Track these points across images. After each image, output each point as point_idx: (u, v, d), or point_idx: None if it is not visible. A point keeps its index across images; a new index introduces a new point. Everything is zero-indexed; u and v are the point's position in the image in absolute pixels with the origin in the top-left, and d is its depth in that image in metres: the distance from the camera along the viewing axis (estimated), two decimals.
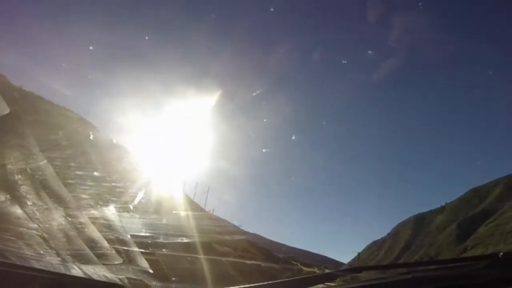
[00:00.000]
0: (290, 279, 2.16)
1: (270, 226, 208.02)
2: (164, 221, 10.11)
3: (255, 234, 56.67)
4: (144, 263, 4.58)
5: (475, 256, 2.68)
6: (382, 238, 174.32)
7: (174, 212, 12.93)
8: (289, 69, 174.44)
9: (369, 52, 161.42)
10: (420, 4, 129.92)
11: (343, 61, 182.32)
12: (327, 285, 2.07)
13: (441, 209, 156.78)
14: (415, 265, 2.52)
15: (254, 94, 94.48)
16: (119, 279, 2.33)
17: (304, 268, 45.57)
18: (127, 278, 2.43)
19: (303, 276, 2.20)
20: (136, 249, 4.93)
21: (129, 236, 5.26)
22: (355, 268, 2.46)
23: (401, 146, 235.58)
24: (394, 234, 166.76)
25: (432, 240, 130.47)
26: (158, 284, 2.26)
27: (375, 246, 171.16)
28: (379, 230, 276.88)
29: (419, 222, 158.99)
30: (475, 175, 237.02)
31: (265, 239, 60.84)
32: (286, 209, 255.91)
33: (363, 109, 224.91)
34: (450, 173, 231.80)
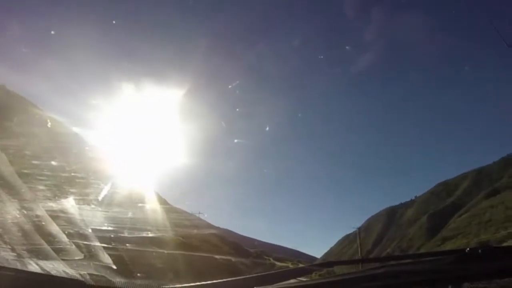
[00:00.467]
0: (262, 273, 2.09)
1: (242, 221, 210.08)
2: (128, 215, 9.80)
3: (225, 229, 56.85)
4: (106, 259, 4.38)
5: (444, 251, 2.78)
6: (354, 231, 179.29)
7: (139, 205, 12.59)
8: (264, 62, 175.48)
9: (346, 47, 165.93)
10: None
11: (320, 56, 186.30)
12: (300, 280, 2.03)
13: (411, 203, 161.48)
14: (387, 259, 2.58)
15: (230, 86, 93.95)
16: (80, 274, 2.18)
17: (277, 263, 46.28)
18: (89, 274, 2.28)
19: (275, 271, 2.16)
20: (98, 243, 4.72)
21: (90, 230, 5.02)
22: (328, 262, 2.48)
23: (373, 140, 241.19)
24: (367, 227, 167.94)
25: (403, 233, 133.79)
26: (122, 280, 2.11)
27: (347, 240, 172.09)
28: (353, 224, 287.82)
29: (391, 215, 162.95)
30: (443, 169, 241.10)
31: (236, 233, 61.29)
32: (258, 203, 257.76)
33: (337, 103, 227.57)
34: (420, 166, 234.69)
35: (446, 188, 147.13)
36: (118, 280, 2.11)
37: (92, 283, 2.07)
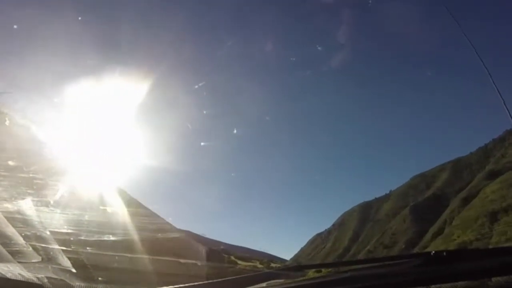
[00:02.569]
0: (232, 278, 2.15)
1: (209, 224, 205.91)
2: (89, 217, 9.56)
3: (191, 232, 56.02)
4: (66, 262, 4.30)
5: (411, 254, 2.86)
6: (326, 230, 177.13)
7: (101, 207, 12.28)
8: (232, 62, 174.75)
9: (317, 47, 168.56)
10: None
11: (291, 58, 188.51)
12: (268, 284, 2.09)
13: (387, 197, 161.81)
14: (353, 263, 2.64)
15: (196, 86, 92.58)
16: (38, 278, 2.17)
17: (239, 261, 46.19)
18: (47, 277, 2.26)
19: (243, 276, 2.20)
20: (56, 246, 4.61)
21: (48, 233, 4.90)
22: (295, 266, 2.54)
23: (343, 137, 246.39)
24: (340, 224, 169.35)
25: (384, 227, 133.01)
26: (82, 284, 2.12)
27: (320, 239, 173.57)
28: (323, 222, 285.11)
29: (366, 210, 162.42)
30: (417, 162, 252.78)
31: (203, 237, 60.39)
32: (225, 207, 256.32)
33: (304, 102, 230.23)
34: (392, 161, 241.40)
35: (423, 180, 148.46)
36: (77, 284, 2.11)
37: (51, 286, 2.07)
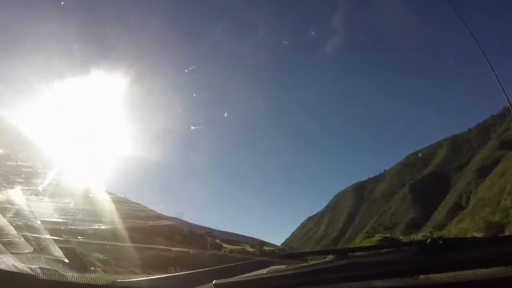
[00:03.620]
0: (222, 266, 2.13)
1: (201, 212, 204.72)
2: (80, 206, 9.49)
3: (182, 220, 56.04)
4: (58, 252, 4.26)
5: (405, 242, 2.88)
6: (318, 212, 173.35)
7: (90, 195, 12.19)
8: (222, 46, 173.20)
9: (311, 32, 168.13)
10: None
11: (284, 42, 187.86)
12: (261, 272, 2.08)
13: (381, 176, 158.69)
14: (349, 251, 2.64)
15: (186, 71, 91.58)
16: (31, 268, 2.13)
17: (232, 246, 46.51)
18: (40, 267, 2.23)
19: (236, 264, 2.19)
20: (48, 236, 4.55)
21: (39, 222, 4.84)
22: (290, 254, 2.53)
23: (335, 117, 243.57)
24: (333, 206, 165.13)
25: (381, 208, 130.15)
26: (75, 274, 2.09)
27: (312, 222, 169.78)
28: (315, 205, 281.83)
29: (359, 191, 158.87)
30: (412, 140, 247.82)
31: (195, 224, 60.31)
32: (216, 193, 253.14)
33: (295, 85, 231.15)
34: (385, 140, 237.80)
35: (420, 158, 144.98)
36: (70, 273, 2.09)
37: (44, 277, 2.04)
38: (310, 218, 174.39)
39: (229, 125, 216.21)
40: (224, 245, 46.86)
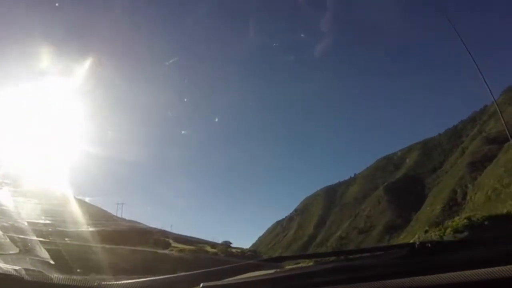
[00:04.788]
0: (209, 269, 2.14)
1: (165, 218, 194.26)
2: (67, 208, 9.40)
3: (138, 222, 54.91)
4: (44, 253, 4.25)
5: (393, 245, 2.86)
6: (287, 216, 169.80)
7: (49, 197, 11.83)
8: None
9: (302, 35, 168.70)
10: None
11: (274, 44, 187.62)
12: (249, 275, 2.08)
13: (352, 180, 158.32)
14: (336, 254, 2.63)
15: (167, 63, 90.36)
16: (15, 270, 2.13)
17: (188, 246, 45.10)
18: (25, 269, 2.23)
19: (223, 267, 2.20)
20: (34, 237, 4.54)
21: (26, 224, 4.82)
22: (278, 257, 2.55)
23: (300, 121, 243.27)
24: (303, 210, 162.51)
25: (354, 211, 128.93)
26: (60, 275, 2.10)
27: (280, 227, 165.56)
28: (282, 209, 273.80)
29: (330, 195, 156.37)
30: (380, 145, 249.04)
31: (148, 226, 58.57)
32: (179, 197, 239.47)
33: (266, 87, 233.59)
34: (354, 145, 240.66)
35: (390, 162, 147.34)
36: (56, 275, 2.08)
37: (29, 278, 2.04)
38: (278, 222, 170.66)
39: (194, 129, 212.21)
40: (175, 244, 44.98)
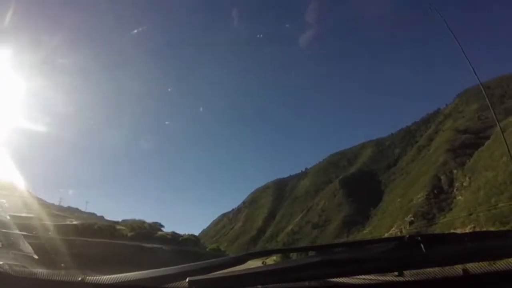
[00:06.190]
0: (195, 263, 2.08)
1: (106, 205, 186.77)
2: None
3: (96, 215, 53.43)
4: (27, 248, 4.13)
5: (381, 239, 2.84)
6: (234, 209, 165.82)
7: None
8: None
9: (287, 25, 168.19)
10: None
11: (258, 35, 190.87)
12: (236, 269, 2.03)
13: (303, 174, 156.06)
14: (323, 248, 2.60)
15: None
16: None
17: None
18: (8, 264, 2.15)
19: (210, 261, 2.14)
20: (17, 231, 4.41)
21: (8, 217, 4.67)
22: (266, 251, 2.50)
23: (253, 114, 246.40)
24: (251, 202, 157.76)
25: (306, 204, 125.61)
26: (44, 270, 2.03)
27: (227, 219, 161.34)
28: (229, 202, 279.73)
29: (281, 187, 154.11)
30: (332, 141, 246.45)
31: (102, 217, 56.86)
32: (114, 187, 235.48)
33: (216, 80, 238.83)
34: (306, 140, 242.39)
35: (344, 157, 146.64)
36: (39, 270, 2.02)
37: (12, 273, 1.97)
38: (225, 215, 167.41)
39: (145, 119, 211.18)
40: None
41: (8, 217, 4.68)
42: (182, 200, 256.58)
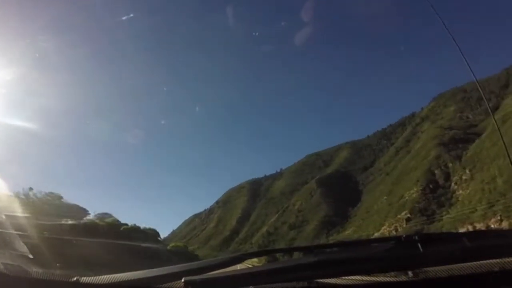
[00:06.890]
0: (191, 263, 2.06)
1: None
2: None
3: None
4: (22, 247, 4.08)
5: (378, 238, 2.85)
6: (207, 209, 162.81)
7: None
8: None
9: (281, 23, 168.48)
10: None
11: (254, 33, 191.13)
12: (232, 269, 2.02)
13: (278, 174, 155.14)
14: (319, 248, 2.58)
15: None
16: None
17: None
18: (3, 263, 2.12)
19: (206, 260, 2.11)
20: (12, 231, 4.38)
21: (4, 217, 4.62)
22: (261, 251, 2.48)
23: (226, 113, 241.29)
24: (225, 202, 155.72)
25: (282, 205, 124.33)
26: (40, 270, 2.00)
27: (199, 220, 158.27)
28: (201, 202, 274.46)
29: (255, 187, 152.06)
30: (308, 143, 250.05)
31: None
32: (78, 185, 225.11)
33: (193, 79, 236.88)
34: (281, 140, 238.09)
35: (320, 158, 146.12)
36: (35, 270, 2.00)
37: (7, 273, 1.94)
38: (196, 215, 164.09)
39: (124, 116, 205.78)
40: None
41: (4, 217, 4.62)
42: (150, 198, 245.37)
